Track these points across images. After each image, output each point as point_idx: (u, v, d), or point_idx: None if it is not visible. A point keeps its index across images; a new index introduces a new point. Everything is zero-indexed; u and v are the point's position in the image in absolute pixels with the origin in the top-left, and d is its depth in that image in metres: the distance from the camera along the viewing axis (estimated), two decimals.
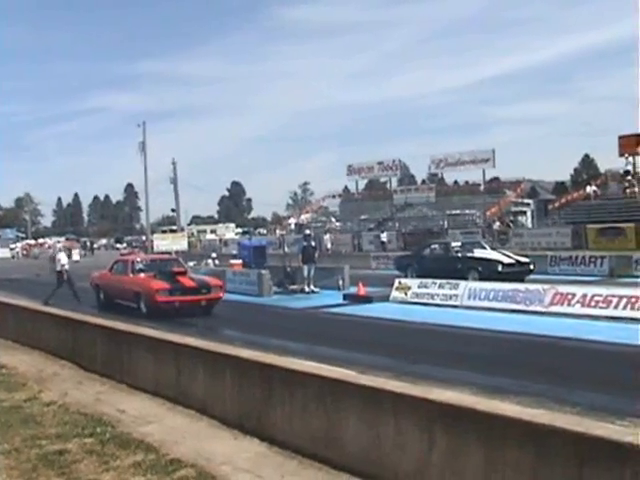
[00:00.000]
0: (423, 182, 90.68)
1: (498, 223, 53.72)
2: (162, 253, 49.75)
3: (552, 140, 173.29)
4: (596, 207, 50.58)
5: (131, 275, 22.68)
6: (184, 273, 22.67)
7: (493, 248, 30.85)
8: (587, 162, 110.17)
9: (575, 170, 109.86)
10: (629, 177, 52.67)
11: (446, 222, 57.77)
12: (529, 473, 5.27)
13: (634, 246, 39.30)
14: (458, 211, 60.05)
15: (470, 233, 51.55)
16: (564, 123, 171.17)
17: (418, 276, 25.80)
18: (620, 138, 53.20)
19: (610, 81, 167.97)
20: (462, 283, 21.89)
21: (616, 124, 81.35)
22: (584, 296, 18.19)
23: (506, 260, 26.80)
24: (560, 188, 73.79)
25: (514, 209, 61.39)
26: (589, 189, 56.80)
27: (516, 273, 25.61)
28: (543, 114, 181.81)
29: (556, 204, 57.65)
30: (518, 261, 27.32)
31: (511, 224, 55.29)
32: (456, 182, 72.76)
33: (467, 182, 66.53)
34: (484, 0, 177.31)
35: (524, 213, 62.48)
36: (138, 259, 25.25)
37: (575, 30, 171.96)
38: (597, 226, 44.31)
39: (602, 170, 71.83)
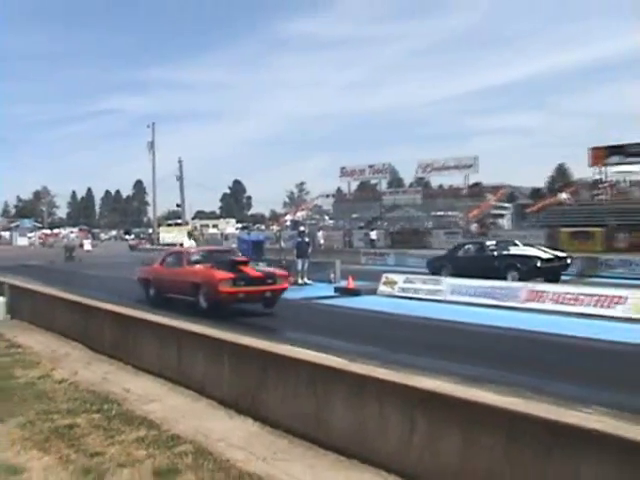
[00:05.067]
0: (410, 185, 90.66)
1: (475, 225, 53.77)
2: (168, 245, 49.71)
3: (530, 149, 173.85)
4: (569, 212, 50.85)
5: (187, 267, 19.56)
6: (246, 262, 19.52)
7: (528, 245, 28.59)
8: (561, 171, 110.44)
9: (551, 178, 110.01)
10: (599, 185, 53.32)
11: (431, 223, 57.79)
12: (502, 456, 5.28)
13: (601, 249, 39.61)
14: (442, 213, 60.04)
15: (452, 233, 51.66)
16: (540, 134, 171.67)
17: (452, 276, 23.69)
18: (591, 150, 53.79)
19: (581, 98, 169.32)
20: (444, 279, 21.95)
21: (587, 137, 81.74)
22: (556, 294, 18.23)
23: (544, 255, 24.96)
24: (536, 194, 73.73)
25: (494, 212, 61.39)
26: (562, 195, 57.12)
27: (554, 268, 24.48)
28: (522, 126, 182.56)
29: (533, 208, 57.74)
30: (557, 256, 25.56)
31: (491, 226, 55.32)
32: (441, 186, 72.69)
33: (451, 186, 66.46)
34: (470, 20, 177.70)
35: (503, 216, 62.47)
36: (192, 250, 21.94)
37: (551, 50, 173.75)
38: (569, 229, 44.48)
39: (575, 178, 72.10)
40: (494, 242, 27.92)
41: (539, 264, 24.05)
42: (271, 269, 20.05)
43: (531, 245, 28.18)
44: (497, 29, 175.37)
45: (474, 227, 53.17)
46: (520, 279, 22.28)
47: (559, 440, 4.98)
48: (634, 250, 36.04)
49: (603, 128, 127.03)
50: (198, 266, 19.36)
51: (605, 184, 53.56)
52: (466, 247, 28.54)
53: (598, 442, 4.76)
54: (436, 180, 73.37)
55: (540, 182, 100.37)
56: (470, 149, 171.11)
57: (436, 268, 27.10)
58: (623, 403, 8.26)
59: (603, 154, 53.25)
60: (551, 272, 23.20)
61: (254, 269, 19.16)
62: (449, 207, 60.47)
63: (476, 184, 65.44)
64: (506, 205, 63.85)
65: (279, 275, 19.14)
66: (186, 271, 19.37)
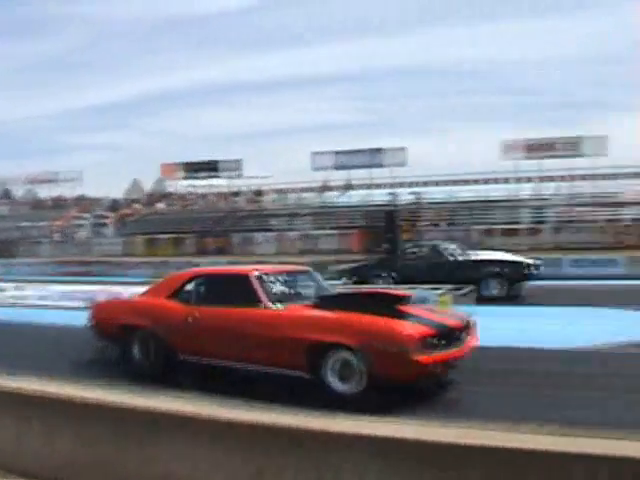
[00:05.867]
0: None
1: (58, 234, 53.19)
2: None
3: (118, 165, 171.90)
4: (155, 221, 51.61)
5: (269, 303, 8.62)
6: (408, 299, 8.76)
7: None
8: (139, 183, 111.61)
9: (130, 190, 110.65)
10: (172, 197, 55.94)
11: (20, 233, 55.26)
12: (110, 444, 5.49)
13: (172, 253, 41.39)
14: (30, 223, 57.53)
15: (38, 243, 50.27)
16: (127, 150, 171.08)
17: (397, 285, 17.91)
18: (161, 165, 56.24)
19: (160, 120, 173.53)
20: (31, 287, 21.12)
21: (163, 153, 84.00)
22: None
23: (529, 261, 20.23)
24: (116, 204, 73.55)
25: (78, 222, 60.21)
26: (138, 206, 58.46)
27: (533, 275, 19.96)
28: (112, 143, 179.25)
29: (113, 218, 57.90)
30: (535, 262, 20.53)
31: (73, 236, 54.43)
32: (44, 198, 69.51)
33: (35, 197, 64.36)
34: (66, 45, 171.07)
35: (84, 226, 61.47)
36: (256, 272, 9.12)
37: (141, 77, 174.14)
38: (147, 237, 45.68)
39: (150, 190, 73.73)
40: (453, 246, 21.68)
41: (526, 270, 19.76)
42: (456, 312, 9.72)
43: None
44: (95, 55, 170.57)
45: (59, 236, 52.42)
46: (508, 287, 18.98)
47: (160, 426, 5.30)
48: (201, 254, 38.56)
49: (177, 146, 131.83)
50: (282, 304, 8.72)
51: (176, 196, 55.88)
52: (411, 251, 21.89)
53: (193, 424, 5.19)
54: (41, 192, 69.59)
55: (120, 193, 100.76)
56: (75, 163, 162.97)
57: (369, 277, 20.36)
58: None
59: (172, 169, 55.82)
60: (528, 278, 19.87)
61: (437, 312, 9.32)
62: (38, 218, 58.16)
63: (61, 198, 64.00)
64: (87, 215, 62.97)
65: (470, 321, 9.04)
66: (284, 317, 8.50)
